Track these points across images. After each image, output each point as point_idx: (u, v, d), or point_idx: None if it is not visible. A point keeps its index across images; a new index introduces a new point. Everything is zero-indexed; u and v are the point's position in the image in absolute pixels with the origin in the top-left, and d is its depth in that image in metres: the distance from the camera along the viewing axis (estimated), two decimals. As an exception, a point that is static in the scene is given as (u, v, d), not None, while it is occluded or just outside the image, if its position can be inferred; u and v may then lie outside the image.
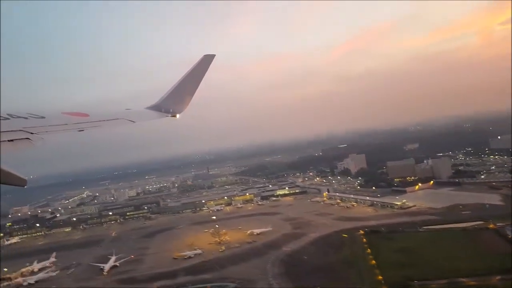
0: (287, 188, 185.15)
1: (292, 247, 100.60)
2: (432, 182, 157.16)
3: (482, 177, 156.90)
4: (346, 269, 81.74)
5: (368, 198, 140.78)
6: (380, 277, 75.03)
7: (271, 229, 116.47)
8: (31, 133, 7.44)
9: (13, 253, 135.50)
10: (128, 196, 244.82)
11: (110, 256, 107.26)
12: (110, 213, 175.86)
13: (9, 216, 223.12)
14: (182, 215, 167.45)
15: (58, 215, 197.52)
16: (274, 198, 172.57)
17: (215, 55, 15.70)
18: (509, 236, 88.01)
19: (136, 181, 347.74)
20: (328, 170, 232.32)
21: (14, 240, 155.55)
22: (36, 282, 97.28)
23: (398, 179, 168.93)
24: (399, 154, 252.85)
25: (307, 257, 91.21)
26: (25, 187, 6.46)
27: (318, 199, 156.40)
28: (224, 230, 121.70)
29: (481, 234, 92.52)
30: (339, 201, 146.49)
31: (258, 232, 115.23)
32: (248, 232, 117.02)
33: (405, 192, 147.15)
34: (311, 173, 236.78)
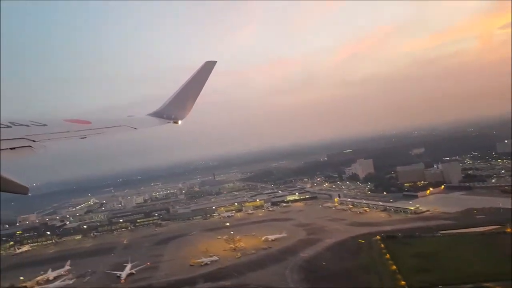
0: (297, 193, 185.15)
1: (309, 253, 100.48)
2: (443, 186, 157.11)
3: (493, 181, 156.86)
4: (366, 274, 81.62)
5: (380, 203, 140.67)
6: (403, 282, 74.99)
7: (285, 235, 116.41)
8: (33, 140, 7.42)
9: (25, 261, 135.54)
10: (136, 203, 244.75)
11: (125, 264, 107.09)
12: (121, 220, 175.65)
13: (17, 224, 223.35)
14: (193, 222, 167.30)
15: (67, 222, 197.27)
16: (285, 204, 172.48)
17: (216, 61, 15.74)
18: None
19: (143, 187, 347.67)
20: (336, 176, 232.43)
21: (25, 248, 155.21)
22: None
23: (408, 184, 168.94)
24: (406, 158, 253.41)
25: (325, 263, 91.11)
26: (29, 195, 6.50)
27: (329, 204, 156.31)
28: (238, 237, 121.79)
29: (499, 239, 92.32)
30: (351, 206, 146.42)
31: (273, 238, 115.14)
32: (263, 238, 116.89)
33: (416, 197, 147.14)
34: (318, 179, 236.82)
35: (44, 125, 8.91)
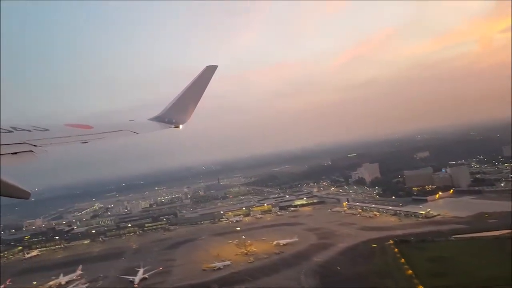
0: (304, 198, 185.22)
1: (322, 257, 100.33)
2: (452, 190, 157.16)
3: (502, 185, 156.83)
4: (383, 279, 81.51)
5: (390, 207, 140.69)
6: (420, 287, 75.00)
7: (297, 239, 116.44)
8: (35, 145, 7.42)
9: (35, 266, 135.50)
10: (142, 208, 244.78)
11: (137, 269, 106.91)
12: (129, 225, 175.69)
13: (23, 228, 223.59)
14: (201, 226, 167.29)
15: (75, 227, 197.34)
16: (293, 209, 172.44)
17: (217, 66, 15.74)
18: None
19: (147, 192, 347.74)
20: (342, 180, 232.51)
21: (34, 253, 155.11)
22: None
23: (416, 188, 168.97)
24: (411, 162, 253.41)
25: (340, 268, 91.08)
26: (32, 199, 7.11)
27: (338, 209, 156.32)
28: (248, 241, 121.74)
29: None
30: (360, 210, 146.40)
31: (285, 243, 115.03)
32: (274, 243, 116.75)
33: (426, 201, 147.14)
34: (324, 183, 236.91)
35: (46, 130, 8.93)
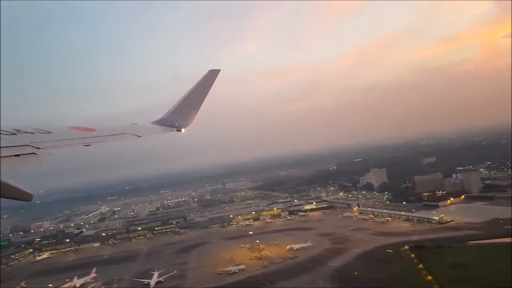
0: (314, 203, 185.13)
1: (338, 262, 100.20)
2: (463, 196, 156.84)
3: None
4: (402, 284, 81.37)
5: (403, 212, 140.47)
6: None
7: (310, 244, 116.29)
8: (38, 148, 7.41)
9: (47, 269, 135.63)
10: (149, 211, 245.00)
11: (151, 272, 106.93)
12: (139, 228, 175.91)
13: (32, 231, 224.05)
14: (211, 230, 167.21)
15: (84, 230, 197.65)
16: (302, 213, 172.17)
17: (220, 70, 15.68)
18: None
19: (152, 195, 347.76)
20: (350, 185, 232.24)
21: (45, 255, 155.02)
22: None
23: (426, 194, 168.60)
24: (418, 168, 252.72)
25: (358, 273, 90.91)
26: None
27: (349, 214, 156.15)
28: (261, 245, 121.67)
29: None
30: (372, 216, 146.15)
31: (298, 248, 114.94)
32: (287, 247, 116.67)
33: (437, 206, 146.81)
34: (332, 188, 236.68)
35: (49, 132, 8.93)
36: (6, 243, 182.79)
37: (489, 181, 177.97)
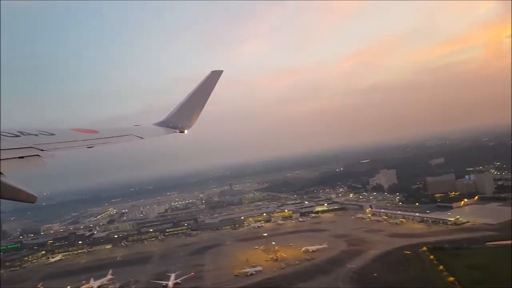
0: (325, 204, 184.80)
1: (356, 264, 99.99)
2: (477, 197, 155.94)
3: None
4: (424, 285, 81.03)
5: (417, 214, 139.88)
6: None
7: (326, 246, 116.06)
8: (41, 149, 7.41)
9: (61, 271, 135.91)
10: (158, 213, 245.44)
11: (168, 274, 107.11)
12: (151, 230, 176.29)
13: (42, 233, 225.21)
14: (222, 232, 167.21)
15: (95, 232, 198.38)
16: (314, 215, 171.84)
17: (222, 71, 15.63)
18: None
19: (159, 197, 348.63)
20: (360, 186, 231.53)
21: (58, 257, 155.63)
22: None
23: (438, 195, 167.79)
24: (427, 169, 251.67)
25: (377, 275, 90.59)
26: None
27: (361, 215, 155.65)
28: (276, 247, 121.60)
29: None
30: (385, 217, 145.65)
31: (314, 249, 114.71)
32: (303, 249, 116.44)
33: (451, 208, 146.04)
34: (341, 189, 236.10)
35: (52, 134, 8.92)
36: (18, 245, 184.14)
37: (501, 182, 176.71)
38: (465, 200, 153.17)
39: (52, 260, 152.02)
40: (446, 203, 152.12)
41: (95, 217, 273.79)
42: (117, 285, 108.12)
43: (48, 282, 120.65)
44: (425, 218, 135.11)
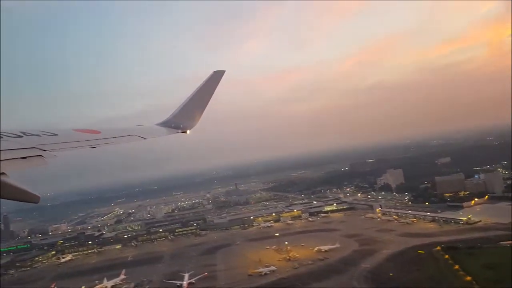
0: (334, 204, 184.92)
1: (370, 263, 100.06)
2: (487, 196, 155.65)
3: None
4: (443, 285, 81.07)
5: (429, 213, 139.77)
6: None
7: (339, 246, 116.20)
8: (44, 150, 7.41)
9: (73, 271, 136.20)
10: (165, 213, 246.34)
11: (181, 274, 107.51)
12: (160, 230, 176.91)
13: (50, 233, 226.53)
14: (232, 232, 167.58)
15: (104, 232, 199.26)
16: (323, 215, 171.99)
17: (225, 71, 15.63)
18: None
19: (164, 197, 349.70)
20: (367, 185, 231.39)
21: (68, 257, 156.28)
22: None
23: (448, 194, 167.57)
24: (433, 168, 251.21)
25: (393, 274, 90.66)
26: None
27: (371, 215, 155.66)
28: (288, 247, 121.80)
29: None
30: (396, 217, 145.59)
31: (327, 249, 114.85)
32: (315, 249, 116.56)
33: (462, 207, 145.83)
34: (348, 189, 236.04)
35: (55, 134, 8.93)
36: (28, 245, 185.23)
37: (510, 181, 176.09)
38: (476, 199, 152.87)
39: (62, 260, 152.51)
40: (456, 203, 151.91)
41: (102, 217, 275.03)
42: (132, 285, 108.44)
43: (60, 283, 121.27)
44: (436, 218, 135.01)
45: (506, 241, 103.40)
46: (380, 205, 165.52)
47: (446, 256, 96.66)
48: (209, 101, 15.24)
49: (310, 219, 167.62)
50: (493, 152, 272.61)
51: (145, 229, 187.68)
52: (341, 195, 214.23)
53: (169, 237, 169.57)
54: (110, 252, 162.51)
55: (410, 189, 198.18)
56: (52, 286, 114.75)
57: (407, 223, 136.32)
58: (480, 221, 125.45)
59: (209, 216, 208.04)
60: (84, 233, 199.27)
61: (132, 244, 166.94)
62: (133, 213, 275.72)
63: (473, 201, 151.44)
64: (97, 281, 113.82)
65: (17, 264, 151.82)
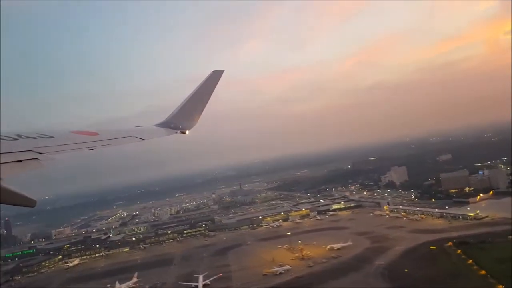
0: (342, 202, 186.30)
1: (384, 260, 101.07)
2: (491, 192, 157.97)
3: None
4: (457, 280, 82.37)
5: (437, 210, 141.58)
6: (500, 286, 75.84)
7: (351, 243, 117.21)
8: (40, 153, 7.29)
9: (82, 275, 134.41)
10: (170, 214, 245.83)
11: (195, 275, 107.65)
12: (169, 232, 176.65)
13: (53, 237, 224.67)
14: (241, 232, 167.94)
15: (110, 235, 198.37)
16: (332, 213, 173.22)
17: (223, 70, 15.63)
18: None
19: (168, 199, 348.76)
20: (372, 183, 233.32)
21: (76, 261, 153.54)
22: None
23: (453, 191, 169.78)
24: (435, 165, 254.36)
25: (408, 270, 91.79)
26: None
27: (380, 212, 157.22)
28: (300, 246, 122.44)
29: None
30: (404, 213, 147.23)
31: (339, 247, 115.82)
32: (328, 247, 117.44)
33: (468, 203, 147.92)
34: (353, 187, 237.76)
35: (51, 137, 8.76)
36: (34, 250, 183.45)
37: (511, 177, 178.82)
38: (481, 195, 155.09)
39: (70, 264, 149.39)
40: (462, 199, 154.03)
41: (106, 220, 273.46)
42: (147, 286, 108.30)
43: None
44: (444, 214, 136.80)
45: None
46: (388, 203, 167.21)
47: (459, 251, 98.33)
48: (208, 101, 15.19)
49: (319, 218, 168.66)
50: (492, 148, 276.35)
51: (152, 231, 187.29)
52: (347, 193, 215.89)
53: (177, 239, 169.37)
54: (119, 255, 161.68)
55: (414, 186, 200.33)
56: None
57: (416, 219, 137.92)
58: (487, 216, 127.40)
59: (216, 217, 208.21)
60: (90, 236, 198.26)
61: (140, 246, 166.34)
62: (137, 215, 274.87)
63: (478, 197, 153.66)
64: (108, 285, 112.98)
65: (24, 269, 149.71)
